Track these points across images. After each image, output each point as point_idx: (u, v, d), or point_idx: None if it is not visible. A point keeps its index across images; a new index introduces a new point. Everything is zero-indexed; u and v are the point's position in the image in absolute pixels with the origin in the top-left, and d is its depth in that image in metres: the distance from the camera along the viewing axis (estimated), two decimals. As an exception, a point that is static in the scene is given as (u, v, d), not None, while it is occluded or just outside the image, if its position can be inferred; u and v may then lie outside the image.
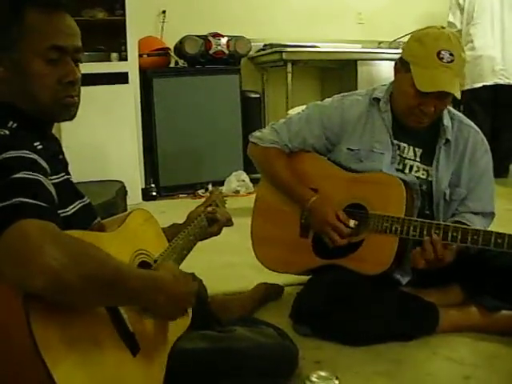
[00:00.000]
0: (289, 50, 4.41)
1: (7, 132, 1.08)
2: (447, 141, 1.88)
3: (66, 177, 1.26)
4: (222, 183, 4.25)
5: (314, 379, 1.09)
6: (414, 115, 1.81)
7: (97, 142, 3.92)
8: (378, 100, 1.93)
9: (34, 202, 0.95)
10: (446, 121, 1.89)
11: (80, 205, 1.27)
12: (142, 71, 4.23)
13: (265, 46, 4.76)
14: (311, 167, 1.99)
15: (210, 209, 1.64)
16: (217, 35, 4.37)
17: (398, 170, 1.89)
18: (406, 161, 1.91)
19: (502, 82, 4.44)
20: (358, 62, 4.56)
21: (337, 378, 1.10)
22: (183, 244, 1.45)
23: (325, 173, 1.96)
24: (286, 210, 1.98)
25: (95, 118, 3.64)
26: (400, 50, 1.92)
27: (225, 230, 1.72)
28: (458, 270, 1.86)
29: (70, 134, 3.23)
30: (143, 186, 4.24)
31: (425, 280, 1.90)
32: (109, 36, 4.04)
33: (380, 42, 5.12)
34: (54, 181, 1.13)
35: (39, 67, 1.17)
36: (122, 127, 4.04)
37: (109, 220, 1.33)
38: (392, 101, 1.91)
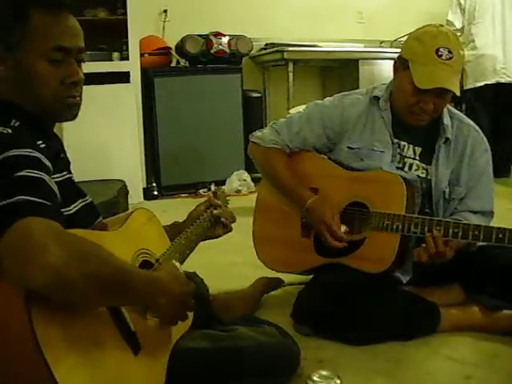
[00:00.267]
0: (290, 49, 4.41)
1: (10, 130, 1.09)
2: (447, 139, 1.89)
3: (68, 175, 1.26)
4: (223, 182, 4.25)
5: (315, 378, 1.10)
6: (414, 113, 1.81)
7: (98, 141, 3.92)
8: (377, 99, 1.94)
9: (38, 200, 0.96)
10: (446, 120, 1.89)
11: (82, 204, 1.28)
12: (144, 70, 4.23)
13: (266, 45, 4.76)
14: (312, 167, 1.99)
15: (217, 212, 1.63)
16: (218, 34, 4.37)
17: (398, 168, 1.89)
18: (406, 159, 1.91)
19: (503, 80, 4.44)
20: (360, 62, 4.56)
21: (338, 378, 1.10)
22: (185, 243, 1.45)
23: (325, 172, 1.97)
24: (288, 209, 1.98)
25: (97, 117, 3.64)
26: (401, 50, 1.93)
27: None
28: (458, 269, 1.86)
29: (72, 134, 3.23)
30: (145, 186, 4.24)
31: (426, 279, 1.90)
32: (110, 35, 4.04)
33: (381, 42, 5.12)
34: (56, 179, 1.14)
35: (42, 67, 1.17)
36: (123, 126, 4.04)
37: (111, 219, 1.33)
38: (392, 99, 1.91)
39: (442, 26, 1.81)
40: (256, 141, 2.04)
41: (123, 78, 4.04)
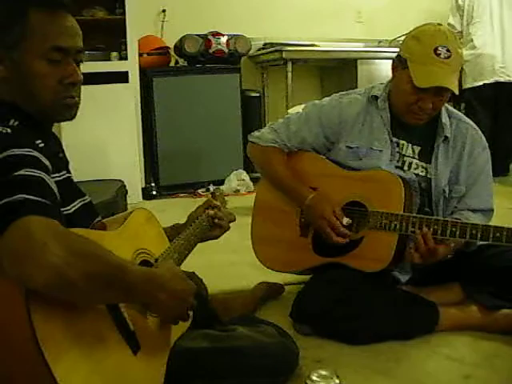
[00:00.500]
0: (289, 48, 4.41)
1: (9, 130, 1.09)
2: (445, 138, 1.89)
3: (67, 175, 1.26)
4: (222, 182, 4.25)
5: (314, 378, 1.10)
6: (413, 112, 1.81)
7: (97, 141, 3.92)
8: (376, 98, 1.94)
9: (37, 198, 0.96)
10: (444, 118, 1.89)
11: (81, 203, 1.28)
12: (142, 70, 4.23)
13: (265, 44, 4.76)
14: (310, 166, 1.99)
15: (212, 212, 1.63)
16: (217, 34, 4.37)
17: (397, 167, 1.89)
18: (405, 158, 1.91)
19: (502, 79, 4.44)
20: (358, 61, 4.56)
21: (337, 377, 1.10)
22: (184, 244, 1.45)
23: (324, 171, 1.97)
24: (286, 209, 1.98)
25: (95, 117, 3.64)
26: (400, 49, 1.93)
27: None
28: (457, 268, 1.87)
29: (70, 133, 3.23)
30: (143, 185, 4.24)
31: (424, 279, 1.91)
32: (109, 35, 4.04)
33: (380, 41, 5.12)
34: (55, 179, 1.14)
35: (41, 67, 1.17)
36: (122, 126, 4.03)
37: (110, 219, 1.33)
38: (390, 98, 1.91)
39: (440, 24, 1.81)
40: (255, 140, 2.04)
41: (122, 77, 4.03)
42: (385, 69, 4.29)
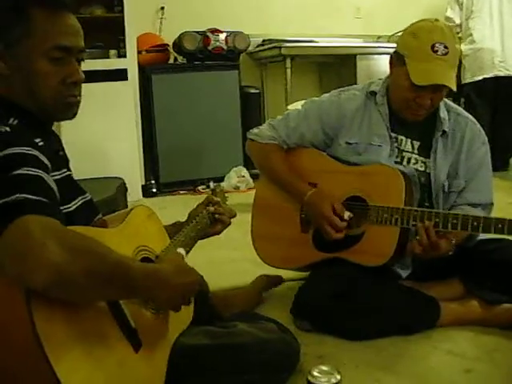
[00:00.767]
0: (287, 45, 4.41)
1: (8, 129, 1.09)
2: (444, 132, 1.89)
3: (67, 173, 1.26)
4: (222, 179, 4.25)
5: (315, 374, 1.10)
6: (411, 108, 1.81)
7: (96, 139, 3.92)
8: (374, 93, 1.94)
9: (36, 197, 0.96)
10: (443, 113, 1.89)
11: (82, 201, 1.28)
12: (141, 68, 4.23)
13: (263, 41, 4.75)
14: (309, 162, 1.99)
15: (212, 209, 1.63)
16: (215, 31, 4.36)
17: (396, 162, 1.89)
18: (404, 153, 1.91)
19: (502, 74, 4.43)
20: (357, 57, 4.56)
21: (339, 373, 1.10)
22: (185, 241, 1.45)
23: (323, 167, 1.97)
24: (286, 205, 1.98)
25: (95, 115, 3.63)
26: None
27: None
28: (458, 263, 1.87)
29: (70, 131, 3.21)
30: (143, 183, 4.24)
31: (425, 274, 1.91)
32: (107, 33, 4.03)
33: (379, 37, 5.11)
34: (55, 177, 1.14)
35: (43, 66, 1.17)
36: (121, 124, 4.03)
37: (111, 216, 1.33)
38: (389, 94, 1.91)
39: (437, 20, 1.81)
40: (253, 138, 2.04)
41: (121, 75, 4.03)
42: (384, 64, 4.23)
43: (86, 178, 3.13)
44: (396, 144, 1.90)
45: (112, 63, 4.05)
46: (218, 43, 4.35)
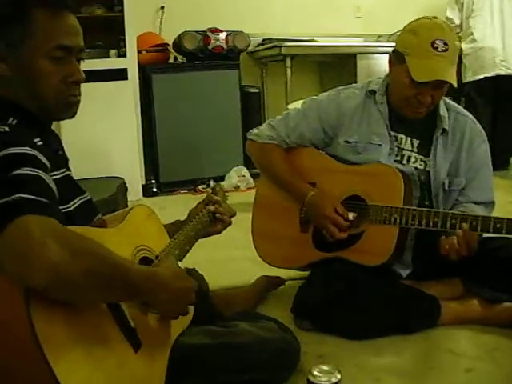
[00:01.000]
0: (288, 44, 4.41)
1: (7, 129, 1.09)
2: (444, 131, 1.89)
3: (66, 173, 1.26)
4: (222, 178, 4.24)
5: (316, 373, 1.10)
6: (412, 106, 1.81)
7: (96, 138, 3.91)
8: (373, 92, 1.94)
9: (35, 197, 0.96)
10: (443, 111, 1.89)
11: (81, 201, 1.28)
12: (141, 67, 4.23)
13: (264, 40, 4.75)
14: (309, 161, 1.99)
15: (212, 208, 1.63)
16: (215, 30, 4.36)
17: (396, 161, 1.89)
18: (404, 152, 1.91)
19: (503, 73, 4.42)
20: (358, 56, 4.55)
21: (339, 372, 1.10)
22: (185, 240, 1.45)
23: (322, 166, 1.97)
24: (286, 205, 1.98)
25: (95, 114, 3.63)
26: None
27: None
28: (458, 262, 1.86)
29: (70, 131, 3.22)
30: (143, 182, 4.24)
31: (425, 273, 1.91)
32: (107, 32, 4.04)
33: (379, 36, 5.11)
34: (54, 177, 1.14)
35: (45, 66, 1.18)
36: (121, 124, 4.03)
37: (110, 216, 1.33)
38: (388, 92, 1.91)
39: (436, 17, 1.81)
40: (253, 138, 2.04)
41: (121, 75, 4.03)
42: (384, 63, 4.22)
43: (86, 178, 3.14)
44: (396, 142, 1.90)
45: (112, 63, 4.04)
46: (218, 43, 4.35)
